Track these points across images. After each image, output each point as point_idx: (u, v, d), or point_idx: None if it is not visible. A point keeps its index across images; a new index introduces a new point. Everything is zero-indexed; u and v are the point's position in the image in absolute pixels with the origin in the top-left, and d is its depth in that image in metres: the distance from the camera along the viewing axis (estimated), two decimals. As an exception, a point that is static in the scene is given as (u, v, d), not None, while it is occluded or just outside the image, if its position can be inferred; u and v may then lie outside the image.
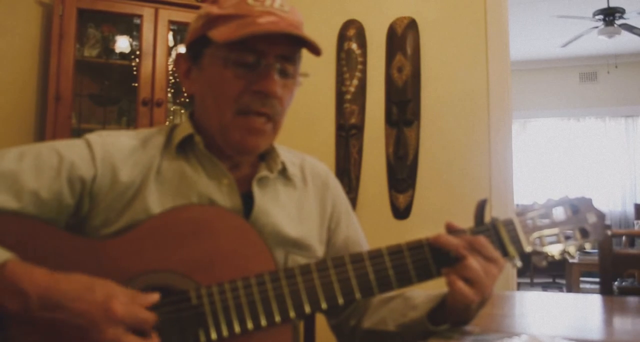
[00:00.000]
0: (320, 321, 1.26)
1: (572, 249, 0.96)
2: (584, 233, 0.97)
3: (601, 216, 0.98)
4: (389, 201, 2.78)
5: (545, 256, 0.96)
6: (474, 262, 0.89)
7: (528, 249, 0.95)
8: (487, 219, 0.97)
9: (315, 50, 0.99)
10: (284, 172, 1.09)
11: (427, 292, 1.03)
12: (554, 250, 0.96)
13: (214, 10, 0.99)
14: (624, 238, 5.24)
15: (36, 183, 0.92)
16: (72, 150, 0.97)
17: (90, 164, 0.96)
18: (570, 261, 5.12)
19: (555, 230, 0.96)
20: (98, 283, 0.80)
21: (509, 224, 0.96)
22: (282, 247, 1.02)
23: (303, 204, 1.10)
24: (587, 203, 0.99)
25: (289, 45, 0.98)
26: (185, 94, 2.94)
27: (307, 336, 1.39)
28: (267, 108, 0.98)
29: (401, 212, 2.75)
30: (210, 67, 1.00)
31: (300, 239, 1.05)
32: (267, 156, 1.09)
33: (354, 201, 2.79)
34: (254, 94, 0.96)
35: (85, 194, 0.95)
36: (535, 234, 0.96)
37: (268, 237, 0.98)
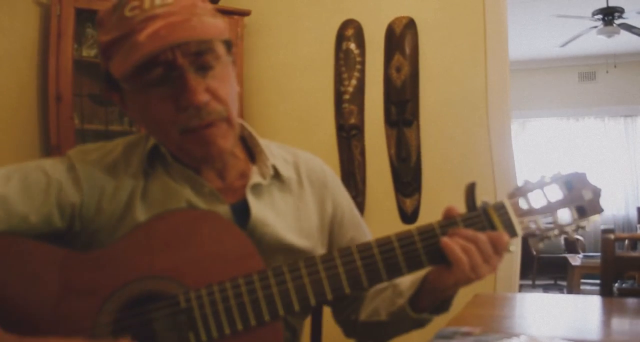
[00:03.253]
0: (327, 314, 1.26)
1: (569, 228, 0.93)
2: (581, 211, 0.93)
3: (597, 191, 0.94)
4: (396, 205, 2.78)
5: (540, 237, 0.93)
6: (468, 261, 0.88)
7: (520, 232, 0.92)
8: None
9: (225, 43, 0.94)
10: (277, 176, 1.05)
11: (413, 277, 1.01)
12: (550, 231, 0.92)
13: (103, 37, 0.92)
14: (626, 242, 5.24)
15: (25, 207, 0.90)
16: (58, 171, 0.95)
17: (75, 188, 0.95)
18: (573, 263, 5.13)
19: (550, 210, 0.92)
20: None
21: (501, 208, 0.92)
22: (283, 255, 1.00)
23: (301, 208, 1.08)
24: (582, 178, 0.94)
25: (192, 41, 0.88)
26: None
27: (314, 330, 1.38)
28: (207, 117, 0.90)
29: (409, 216, 2.75)
30: (132, 97, 0.94)
31: (302, 247, 1.03)
32: (257, 158, 1.06)
33: (362, 205, 2.79)
34: (187, 110, 0.89)
35: (75, 217, 0.95)
36: (530, 216, 0.92)
37: (268, 246, 0.97)
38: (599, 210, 0.94)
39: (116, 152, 1.01)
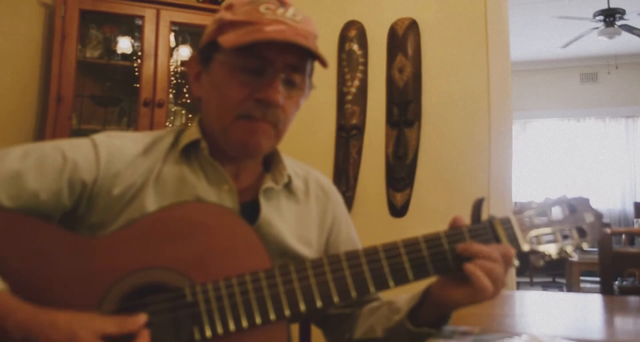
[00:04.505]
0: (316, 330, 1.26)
1: (569, 248, 0.95)
2: (582, 233, 0.96)
3: (598, 215, 0.98)
4: (386, 199, 2.79)
5: (542, 255, 0.95)
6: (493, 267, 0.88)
7: (525, 247, 0.94)
8: (484, 217, 0.96)
9: (321, 61, 0.99)
10: (288, 185, 1.09)
11: (409, 294, 1.03)
12: (551, 249, 0.95)
13: (227, 16, 1.01)
14: (623, 236, 5.25)
15: (37, 184, 0.92)
16: (77, 151, 0.97)
17: (93, 166, 0.97)
18: (570, 259, 5.12)
19: (552, 229, 0.95)
20: (76, 317, 0.79)
21: (506, 222, 0.94)
22: (281, 258, 1.02)
23: (304, 216, 1.10)
24: (585, 203, 0.98)
25: (297, 55, 0.98)
26: (187, 95, 2.95)
27: (303, 331, 1.40)
28: (269, 116, 0.98)
29: (398, 210, 2.75)
30: (218, 71, 1.01)
31: (300, 251, 1.05)
32: (273, 167, 1.10)
33: (351, 199, 2.80)
34: (256, 102, 0.97)
35: (84, 196, 0.96)
36: (533, 233, 0.95)
37: (269, 247, 0.97)
38: (599, 233, 0.98)
39: (143, 142, 1.04)
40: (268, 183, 1.05)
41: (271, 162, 1.11)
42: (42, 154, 0.95)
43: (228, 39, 0.96)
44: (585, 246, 0.97)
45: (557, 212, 0.97)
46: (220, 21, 1.01)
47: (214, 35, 1.01)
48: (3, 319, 0.76)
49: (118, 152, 1.00)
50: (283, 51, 0.96)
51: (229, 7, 1.02)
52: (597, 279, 3.46)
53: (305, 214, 1.11)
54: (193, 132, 1.05)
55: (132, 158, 1.00)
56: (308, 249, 1.08)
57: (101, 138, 1.02)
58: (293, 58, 0.98)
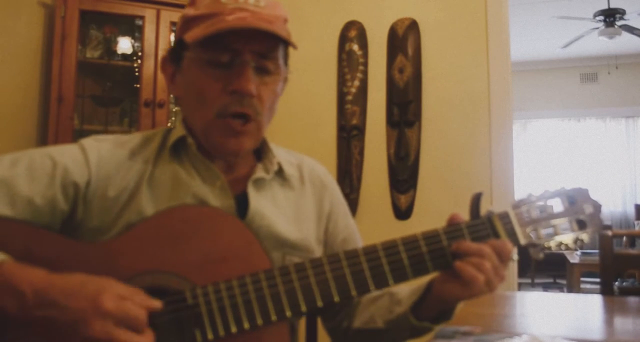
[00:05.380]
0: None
1: (569, 240, 0.95)
2: (581, 224, 0.96)
3: (597, 206, 0.96)
4: (390, 202, 2.79)
5: (541, 247, 0.95)
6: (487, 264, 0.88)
7: (524, 242, 0.94)
8: (482, 212, 0.96)
9: (290, 44, 0.98)
10: (280, 173, 1.09)
11: (411, 286, 1.02)
12: (550, 242, 0.95)
13: (190, 12, 1.00)
14: (624, 238, 5.25)
15: (30, 190, 0.92)
16: (65, 155, 0.97)
17: (84, 168, 0.96)
18: (572, 261, 5.13)
19: (551, 221, 0.95)
20: (93, 279, 0.79)
21: (505, 217, 0.94)
22: (279, 249, 1.02)
23: (300, 204, 1.10)
24: (584, 194, 0.97)
25: (265, 41, 0.96)
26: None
27: (310, 336, 1.40)
28: (246, 108, 0.96)
29: (402, 213, 2.75)
30: (189, 69, 1.00)
31: (297, 241, 1.05)
32: (264, 156, 1.09)
33: (355, 202, 2.80)
34: (231, 95, 0.96)
35: (79, 199, 0.95)
36: (532, 226, 0.94)
37: (264, 239, 0.98)
38: (599, 224, 0.97)
39: (131, 144, 1.04)
40: (258, 173, 1.05)
41: (262, 152, 1.10)
42: (31, 160, 0.95)
43: (192, 34, 0.95)
44: (585, 238, 0.96)
45: (556, 204, 0.96)
46: (184, 18, 1.00)
47: (180, 33, 1.00)
48: (17, 284, 0.77)
49: (107, 155, 0.99)
50: (250, 39, 0.95)
51: (192, 3, 1.02)
52: (598, 280, 3.46)
53: (302, 201, 1.11)
54: (178, 130, 1.04)
55: (121, 161, 1.00)
56: (305, 237, 1.07)
57: (89, 142, 1.01)
58: (261, 45, 0.96)
